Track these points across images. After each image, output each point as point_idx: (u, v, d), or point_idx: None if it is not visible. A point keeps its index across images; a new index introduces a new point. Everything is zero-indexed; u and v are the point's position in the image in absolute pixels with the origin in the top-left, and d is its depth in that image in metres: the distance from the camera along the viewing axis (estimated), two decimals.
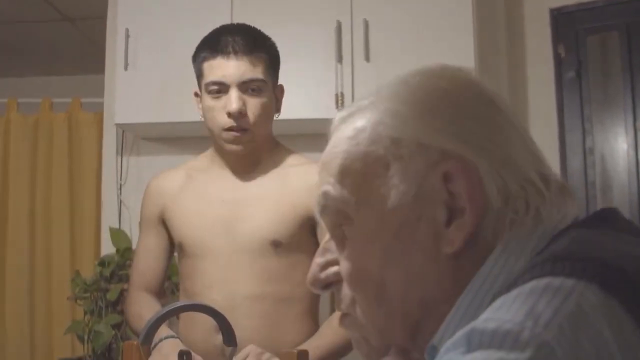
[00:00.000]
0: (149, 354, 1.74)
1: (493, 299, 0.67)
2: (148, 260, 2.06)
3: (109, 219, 3.39)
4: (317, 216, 0.82)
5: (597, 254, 0.67)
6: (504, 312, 0.62)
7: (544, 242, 0.73)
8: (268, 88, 1.94)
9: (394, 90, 0.80)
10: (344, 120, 0.82)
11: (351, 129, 0.79)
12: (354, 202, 0.78)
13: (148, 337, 1.33)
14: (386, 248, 0.76)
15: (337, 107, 2.93)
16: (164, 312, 1.36)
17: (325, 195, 0.80)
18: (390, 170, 0.75)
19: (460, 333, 0.63)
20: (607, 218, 0.77)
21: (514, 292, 0.64)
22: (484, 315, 0.64)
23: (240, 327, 1.87)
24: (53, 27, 4.77)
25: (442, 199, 0.73)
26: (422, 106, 0.77)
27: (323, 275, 0.84)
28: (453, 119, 0.75)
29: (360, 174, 0.77)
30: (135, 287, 2.08)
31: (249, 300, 1.91)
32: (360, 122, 0.79)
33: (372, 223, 0.77)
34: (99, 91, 3.56)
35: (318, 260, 0.85)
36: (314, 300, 2.02)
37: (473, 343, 0.61)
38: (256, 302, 1.91)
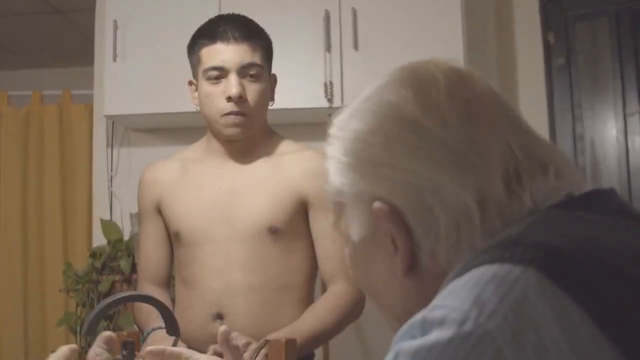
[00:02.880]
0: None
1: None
2: (152, 251, 2.07)
3: (100, 211, 3.39)
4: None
5: (549, 241, 0.69)
6: (452, 298, 0.66)
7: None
8: (265, 75, 1.96)
9: (341, 132, 0.86)
10: (327, 140, 0.90)
11: (325, 161, 0.89)
12: (339, 227, 0.89)
13: (91, 329, 1.33)
14: (364, 270, 0.88)
15: (326, 96, 2.92)
16: (106, 304, 1.36)
17: None
18: (344, 212, 0.86)
19: (412, 321, 0.67)
20: (594, 199, 0.79)
21: (464, 278, 0.68)
22: (434, 302, 0.68)
23: (238, 315, 1.89)
24: (43, 20, 4.76)
25: (385, 233, 0.81)
26: (355, 157, 0.83)
27: None
28: (377, 166, 0.81)
29: (334, 206, 0.89)
30: (142, 280, 2.09)
31: (247, 288, 1.91)
32: (327, 155, 0.88)
33: (351, 246, 0.88)
34: (89, 83, 3.56)
35: None
36: (311, 287, 2.03)
37: (424, 330, 0.65)
38: (254, 289, 1.92)
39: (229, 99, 1.89)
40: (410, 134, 0.79)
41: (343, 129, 0.86)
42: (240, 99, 1.89)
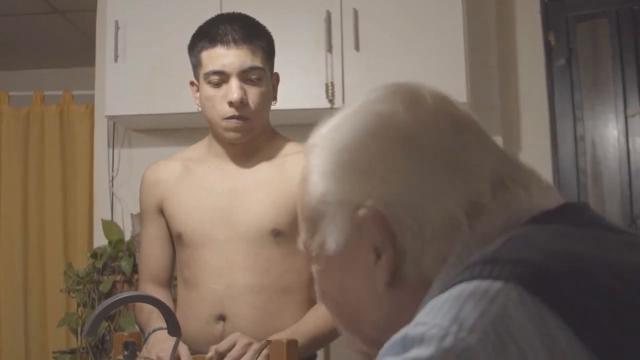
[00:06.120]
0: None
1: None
2: (153, 251, 2.06)
3: (101, 211, 3.39)
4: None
5: (527, 255, 0.69)
6: (432, 316, 0.66)
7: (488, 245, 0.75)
8: (267, 77, 1.95)
9: (327, 141, 0.86)
10: (307, 150, 0.90)
11: (303, 172, 0.90)
12: (310, 244, 0.87)
13: (92, 330, 1.33)
14: (337, 282, 0.86)
15: (327, 97, 2.93)
16: (107, 304, 1.36)
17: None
18: (322, 223, 0.84)
19: (394, 338, 0.67)
20: (567, 212, 0.79)
21: (444, 295, 0.68)
22: (415, 319, 0.68)
23: (241, 317, 1.88)
24: (44, 20, 4.76)
25: (367, 243, 0.80)
26: (342, 165, 0.83)
27: None
28: (365, 173, 0.81)
29: (308, 220, 0.87)
30: (143, 280, 2.08)
31: (249, 290, 1.91)
32: (309, 165, 0.88)
33: (323, 263, 0.86)
34: (90, 84, 3.56)
35: None
36: (312, 289, 2.02)
37: (406, 347, 0.65)
38: (256, 291, 1.91)
39: (230, 103, 1.89)
40: (399, 144, 0.80)
41: (329, 139, 0.86)
42: (241, 103, 1.89)
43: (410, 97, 0.84)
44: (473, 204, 0.77)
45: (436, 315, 0.66)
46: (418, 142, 0.80)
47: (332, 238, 0.83)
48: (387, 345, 0.67)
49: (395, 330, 0.77)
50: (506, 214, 0.77)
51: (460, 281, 0.68)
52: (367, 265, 0.81)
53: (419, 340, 0.64)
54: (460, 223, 0.76)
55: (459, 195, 0.77)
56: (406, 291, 0.80)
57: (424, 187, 0.78)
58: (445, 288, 0.70)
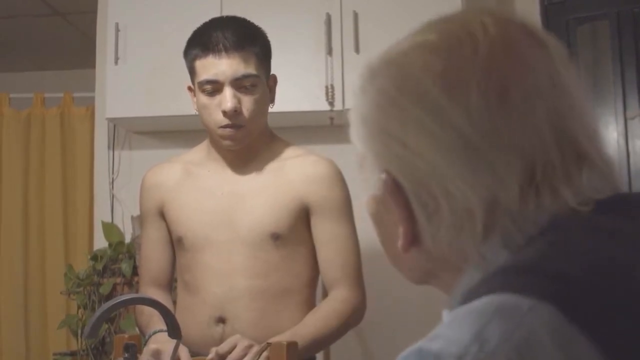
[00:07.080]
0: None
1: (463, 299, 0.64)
2: (154, 254, 2.06)
3: (101, 213, 3.39)
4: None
5: (566, 268, 0.62)
6: (453, 329, 0.60)
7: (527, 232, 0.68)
8: (262, 82, 1.94)
9: (371, 83, 0.79)
10: (367, 76, 0.81)
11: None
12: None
13: (93, 332, 1.34)
14: (377, 230, 0.82)
15: (327, 99, 2.93)
16: (108, 307, 1.37)
17: None
18: (364, 163, 0.79)
19: (410, 350, 0.61)
20: (622, 205, 0.71)
21: (468, 307, 0.61)
22: (435, 330, 0.62)
23: (241, 320, 1.89)
24: (44, 22, 4.76)
25: (392, 203, 0.76)
26: (370, 119, 0.77)
27: None
28: (391, 135, 0.74)
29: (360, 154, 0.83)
30: (143, 283, 2.08)
31: (249, 292, 1.92)
32: (357, 99, 0.82)
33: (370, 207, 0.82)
34: (91, 86, 3.56)
35: None
36: (312, 292, 2.03)
37: None
38: (256, 294, 1.92)
39: (224, 112, 1.88)
40: (428, 118, 0.71)
41: (371, 83, 0.78)
42: (235, 112, 1.88)
43: (457, 55, 0.72)
44: (495, 201, 0.68)
45: (457, 330, 0.59)
46: (448, 121, 0.70)
47: (370, 179, 0.79)
48: (402, 355, 0.61)
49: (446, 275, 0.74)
50: (536, 216, 0.68)
51: (489, 291, 0.61)
52: (394, 222, 0.76)
53: (436, 357, 0.58)
54: (476, 218, 0.69)
55: (481, 188, 0.68)
56: (431, 258, 0.75)
57: (446, 171, 0.70)
58: (471, 295, 0.63)
